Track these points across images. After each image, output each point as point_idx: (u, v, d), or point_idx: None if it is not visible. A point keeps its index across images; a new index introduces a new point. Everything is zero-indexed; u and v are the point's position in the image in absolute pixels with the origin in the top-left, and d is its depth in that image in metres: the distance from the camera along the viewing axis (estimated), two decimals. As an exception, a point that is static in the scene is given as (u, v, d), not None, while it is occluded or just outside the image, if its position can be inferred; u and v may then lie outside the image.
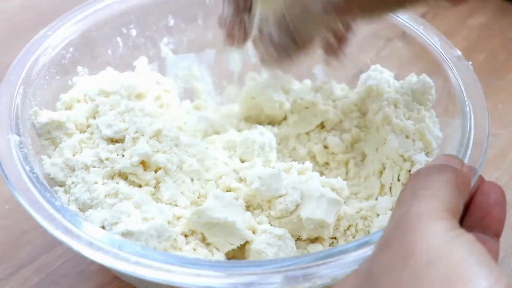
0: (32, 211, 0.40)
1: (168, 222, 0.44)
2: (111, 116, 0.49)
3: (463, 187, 0.35)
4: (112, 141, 0.48)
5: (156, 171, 0.47)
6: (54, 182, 0.47)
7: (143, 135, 0.48)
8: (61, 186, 0.47)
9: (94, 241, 0.39)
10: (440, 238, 0.30)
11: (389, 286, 0.30)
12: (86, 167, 0.47)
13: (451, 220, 0.32)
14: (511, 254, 0.53)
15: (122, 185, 0.46)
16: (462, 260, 0.29)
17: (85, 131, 0.50)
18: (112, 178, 0.47)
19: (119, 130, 0.48)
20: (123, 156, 0.47)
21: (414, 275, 0.29)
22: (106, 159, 0.47)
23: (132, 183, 0.47)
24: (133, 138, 0.47)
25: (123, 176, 0.47)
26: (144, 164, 0.47)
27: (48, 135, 0.49)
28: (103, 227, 0.43)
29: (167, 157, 0.48)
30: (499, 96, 0.67)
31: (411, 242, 0.31)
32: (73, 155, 0.48)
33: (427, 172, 0.35)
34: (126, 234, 0.41)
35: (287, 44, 0.42)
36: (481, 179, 0.39)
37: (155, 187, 0.47)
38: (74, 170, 0.47)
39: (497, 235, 0.36)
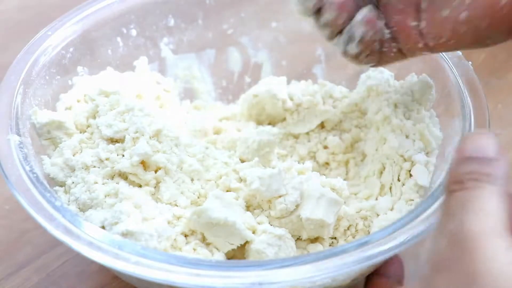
0: (32, 211, 0.40)
1: (168, 222, 0.44)
2: (111, 116, 0.49)
3: (510, 194, 0.33)
4: (112, 141, 0.48)
5: (156, 171, 0.47)
6: (54, 182, 0.47)
7: (143, 135, 0.47)
8: (61, 186, 0.47)
9: (94, 241, 0.39)
10: (503, 259, 0.29)
11: None
12: (86, 167, 0.47)
13: (510, 237, 0.30)
14: None
15: (122, 185, 0.46)
16: None
17: (85, 131, 0.50)
18: (112, 178, 0.47)
19: (119, 130, 0.48)
20: (123, 156, 0.47)
21: None
22: (106, 159, 0.47)
23: (132, 183, 0.47)
24: (133, 138, 0.47)
25: (123, 176, 0.47)
26: (144, 164, 0.47)
27: (48, 135, 0.49)
28: (103, 227, 0.43)
29: (167, 157, 0.47)
30: (500, 96, 0.67)
31: (472, 264, 0.29)
32: (73, 155, 0.48)
33: (474, 179, 0.33)
34: (126, 234, 0.41)
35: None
36: None
37: (155, 187, 0.47)
38: (74, 170, 0.47)
39: None
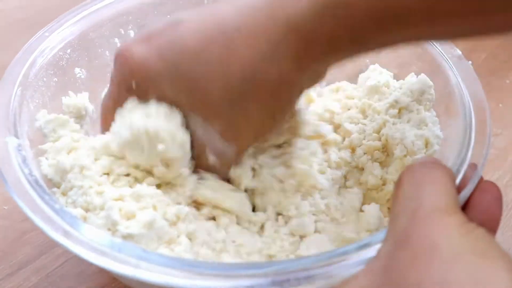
0: (31, 214, 0.40)
1: (169, 223, 0.44)
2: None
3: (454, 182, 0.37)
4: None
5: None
6: (52, 184, 0.47)
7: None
8: (59, 188, 0.47)
9: (94, 244, 0.39)
10: (459, 231, 0.32)
11: (416, 280, 0.30)
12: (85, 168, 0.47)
13: (462, 214, 0.33)
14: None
15: (122, 186, 0.46)
16: (484, 252, 0.31)
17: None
18: (112, 179, 0.47)
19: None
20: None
21: (442, 269, 0.30)
22: (105, 160, 0.47)
23: (132, 184, 0.47)
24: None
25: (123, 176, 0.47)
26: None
27: (55, 135, 0.48)
28: (102, 230, 0.42)
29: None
30: (500, 95, 0.67)
31: (432, 237, 0.31)
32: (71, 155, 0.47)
33: (424, 166, 0.36)
34: (126, 237, 0.41)
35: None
36: (480, 179, 0.40)
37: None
38: (72, 171, 0.47)
39: (494, 231, 0.37)
